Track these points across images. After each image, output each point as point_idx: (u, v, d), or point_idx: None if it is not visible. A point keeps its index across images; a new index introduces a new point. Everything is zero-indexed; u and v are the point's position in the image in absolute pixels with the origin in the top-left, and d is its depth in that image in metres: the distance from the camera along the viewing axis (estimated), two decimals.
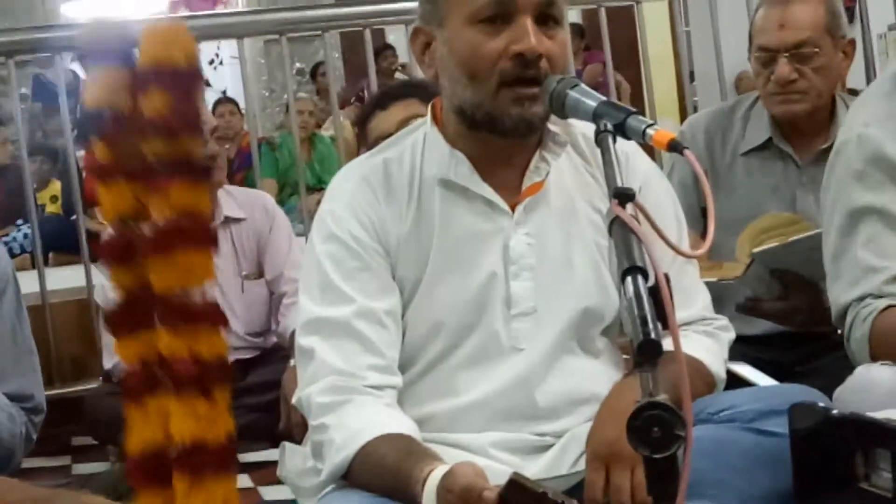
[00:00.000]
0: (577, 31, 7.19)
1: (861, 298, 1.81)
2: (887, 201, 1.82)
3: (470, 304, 1.68)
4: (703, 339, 1.74)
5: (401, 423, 1.61)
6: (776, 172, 2.50)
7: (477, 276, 1.68)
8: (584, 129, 1.70)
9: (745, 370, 2.35)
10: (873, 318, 1.78)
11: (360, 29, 3.94)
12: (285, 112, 7.49)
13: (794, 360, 2.49)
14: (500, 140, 1.67)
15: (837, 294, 1.86)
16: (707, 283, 1.96)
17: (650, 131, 1.43)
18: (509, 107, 1.62)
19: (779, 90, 2.42)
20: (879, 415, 1.38)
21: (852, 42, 2.51)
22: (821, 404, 1.44)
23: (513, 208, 1.70)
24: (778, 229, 2.32)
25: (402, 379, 1.68)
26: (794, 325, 2.40)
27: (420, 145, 1.73)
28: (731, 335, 1.81)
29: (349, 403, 1.62)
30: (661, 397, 1.15)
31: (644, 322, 1.11)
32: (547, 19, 1.63)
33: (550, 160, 1.71)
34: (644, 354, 1.11)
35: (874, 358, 1.80)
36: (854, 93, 2.80)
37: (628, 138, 1.46)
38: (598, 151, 1.69)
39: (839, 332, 1.92)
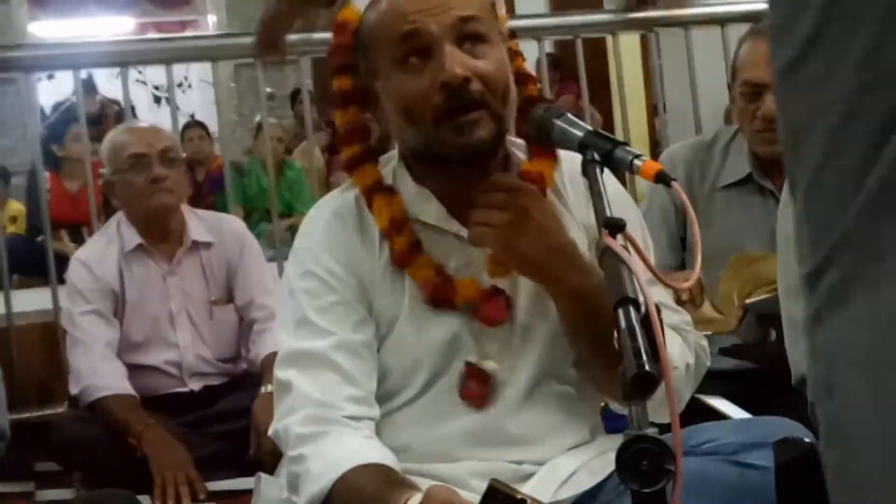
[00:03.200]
0: (553, 62, 7.24)
1: None
2: None
3: (446, 338, 1.68)
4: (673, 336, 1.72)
5: (379, 454, 1.59)
6: (755, 207, 2.50)
7: (453, 311, 1.68)
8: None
9: (721, 404, 2.35)
10: None
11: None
12: (254, 137, 7.46)
13: (768, 395, 2.49)
14: (460, 170, 1.66)
15: (798, 360, 1.85)
16: None
17: (637, 162, 1.43)
18: (451, 138, 1.60)
19: (764, 127, 2.43)
20: None
21: None
22: (806, 438, 1.43)
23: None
24: (760, 271, 2.32)
25: (379, 410, 1.67)
26: (779, 367, 2.40)
27: (390, 181, 1.73)
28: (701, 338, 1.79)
29: (327, 434, 1.60)
30: (651, 431, 1.14)
31: (638, 354, 1.09)
32: (468, 39, 1.61)
33: None
34: (638, 387, 1.09)
35: None
36: None
37: (615, 169, 1.46)
38: (570, 180, 1.70)
39: None
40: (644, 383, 1.09)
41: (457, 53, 1.59)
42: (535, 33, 3.83)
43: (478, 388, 1.67)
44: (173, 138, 3.13)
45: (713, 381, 2.48)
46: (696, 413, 2.30)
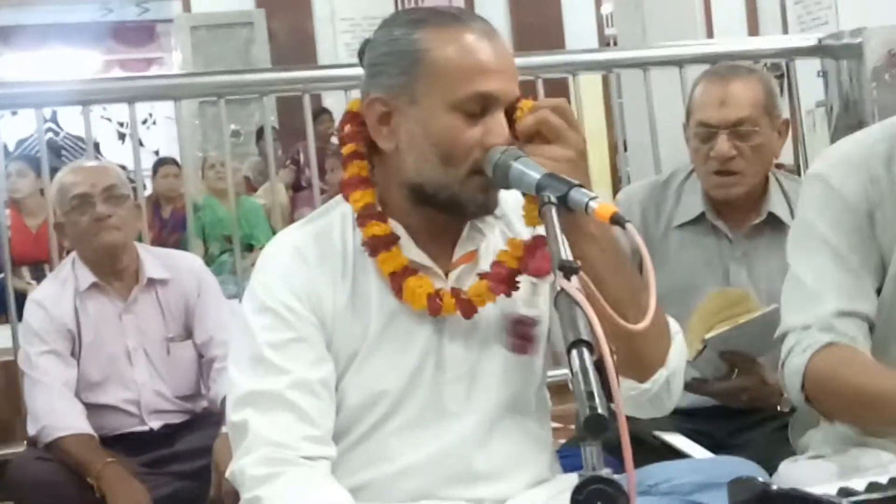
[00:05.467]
0: None
1: (806, 327, 1.82)
2: (843, 243, 1.84)
3: (407, 373, 1.68)
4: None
5: (335, 495, 1.59)
6: (709, 246, 2.53)
7: (414, 344, 1.69)
8: (513, 197, 1.71)
9: (679, 441, 2.36)
10: (813, 352, 1.79)
11: (299, 94, 3.95)
12: (202, 175, 7.35)
13: (727, 433, 2.51)
14: (447, 217, 1.69)
15: (783, 317, 1.88)
16: None
17: (593, 204, 1.45)
18: (476, 193, 1.65)
19: (718, 167, 2.46)
20: (819, 490, 1.38)
21: (786, 122, 2.57)
22: (760, 479, 1.44)
23: (446, 275, 1.71)
24: (729, 309, 2.34)
25: (335, 449, 1.67)
26: (739, 403, 2.42)
27: (350, 216, 1.73)
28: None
29: (283, 475, 1.60)
30: (605, 472, 1.15)
31: (591, 397, 1.11)
32: (513, 111, 1.65)
33: (483, 230, 1.73)
34: (590, 429, 1.11)
35: (805, 392, 1.80)
36: (780, 166, 2.86)
37: (571, 210, 1.47)
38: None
39: (778, 408, 1.93)
40: (596, 425, 1.10)
41: (505, 122, 1.64)
42: None
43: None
44: (120, 176, 3.11)
45: (671, 417, 2.51)
46: (653, 450, 2.32)
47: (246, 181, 8.14)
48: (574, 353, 1.17)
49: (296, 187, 7.99)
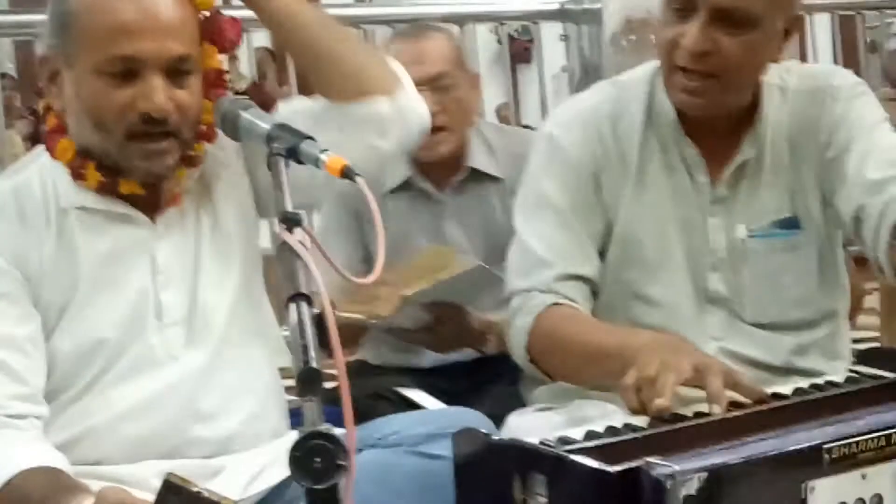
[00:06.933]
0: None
1: (530, 290, 1.87)
2: (568, 204, 1.88)
3: (123, 321, 1.66)
4: None
5: (47, 456, 1.54)
6: (420, 209, 2.55)
7: (128, 291, 1.67)
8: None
9: (418, 396, 2.40)
10: (538, 312, 1.84)
11: (33, 39, 3.74)
12: None
13: (465, 388, 2.56)
14: None
15: (509, 279, 1.92)
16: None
17: (323, 157, 1.44)
18: (137, 160, 1.64)
19: None
20: (537, 440, 1.42)
21: (477, 75, 2.67)
22: (483, 430, 1.47)
23: (154, 221, 1.70)
24: (433, 266, 2.37)
25: (47, 408, 1.63)
26: (443, 350, 2.48)
27: (48, 171, 1.70)
28: None
29: None
30: (324, 427, 1.14)
31: (305, 351, 1.10)
32: (177, 74, 1.64)
33: (189, 172, 1.72)
34: (305, 383, 1.10)
35: (529, 351, 1.86)
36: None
37: (301, 163, 1.46)
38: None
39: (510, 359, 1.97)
40: (311, 379, 1.09)
41: (163, 86, 1.61)
42: None
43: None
44: None
45: (412, 375, 2.53)
46: (393, 405, 2.35)
47: None
48: (292, 306, 1.16)
49: (34, 139, 7.62)
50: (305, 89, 1.90)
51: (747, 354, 1.85)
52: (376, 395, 2.43)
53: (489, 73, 4.94)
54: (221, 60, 1.76)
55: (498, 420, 1.85)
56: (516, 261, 1.92)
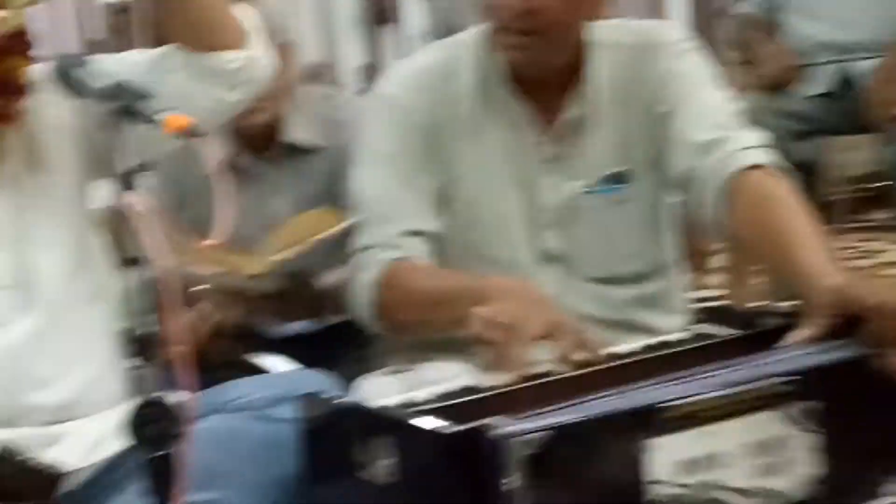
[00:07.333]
0: None
1: (373, 246, 1.87)
2: (408, 162, 1.89)
3: None
4: None
5: None
6: (241, 187, 2.41)
7: None
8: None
9: (269, 361, 2.38)
10: (381, 267, 1.84)
11: None
12: None
13: (322, 355, 2.54)
14: None
15: (354, 237, 1.93)
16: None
17: (161, 115, 1.40)
18: None
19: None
20: (384, 402, 1.42)
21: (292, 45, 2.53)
22: (327, 394, 1.47)
23: None
24: (316, 229, 2.35)
25: None
26: (292, 319, 2.46)
27: None
28: None
29: None
30: (159, 394, 1.13)
31: (137, 316, 1.08)
32: None
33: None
34: (137, 349, 1.08)
35: (375, 305, 1.86)
36: None
37: (138, 121, 1.42)
38: None
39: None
40: (142, 345, 1.07)
41: None
42: None
43: None
44: None
45: (275, 345, 2.51)
46: (245, 370, 2.32)
47: None
48: (125, 270, 1.13)
49: None
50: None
51: (585, 311, 1.87)
52: (228, 362, 2.39)
53: (349, 35, 4.91)
54: None
55: (352, 383, 1.85)
56: (359, 218, 1.92)
